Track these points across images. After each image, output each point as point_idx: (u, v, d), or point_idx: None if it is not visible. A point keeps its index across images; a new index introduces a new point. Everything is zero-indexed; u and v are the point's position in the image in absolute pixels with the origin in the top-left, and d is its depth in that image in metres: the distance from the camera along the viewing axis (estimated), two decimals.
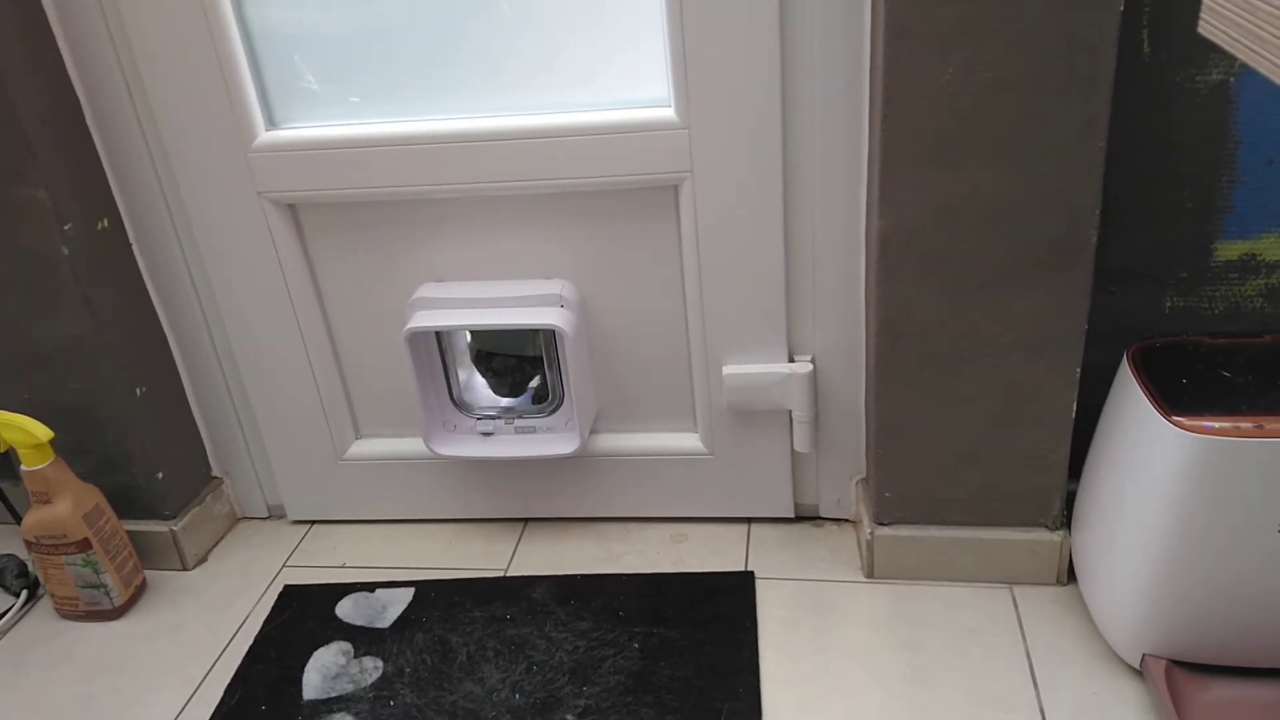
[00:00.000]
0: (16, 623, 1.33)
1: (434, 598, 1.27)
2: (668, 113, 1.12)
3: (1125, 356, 1.04)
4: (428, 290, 1.26)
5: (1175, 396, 0.96)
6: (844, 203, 1.14)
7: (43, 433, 1.21)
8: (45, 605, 1.35)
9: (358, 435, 1.41)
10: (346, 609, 1.28)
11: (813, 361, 1.24)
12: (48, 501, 1.24)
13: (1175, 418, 0.94)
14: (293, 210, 1.25)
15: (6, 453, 1.26)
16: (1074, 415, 1.10)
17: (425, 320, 1.23)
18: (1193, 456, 0.92)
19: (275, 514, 1.49)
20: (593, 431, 1.35)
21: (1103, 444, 1.08)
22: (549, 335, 1.26)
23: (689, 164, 1.13)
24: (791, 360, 1.25)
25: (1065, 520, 1.17)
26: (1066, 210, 1.00)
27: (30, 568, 1.38)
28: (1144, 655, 1.03)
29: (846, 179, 1.12)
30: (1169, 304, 1.13)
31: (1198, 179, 1.07)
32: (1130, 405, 1.01)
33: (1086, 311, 1.05)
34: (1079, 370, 1.08)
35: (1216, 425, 0.92)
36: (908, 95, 0.97)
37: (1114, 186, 1.03)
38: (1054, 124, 0.96)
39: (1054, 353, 1.07)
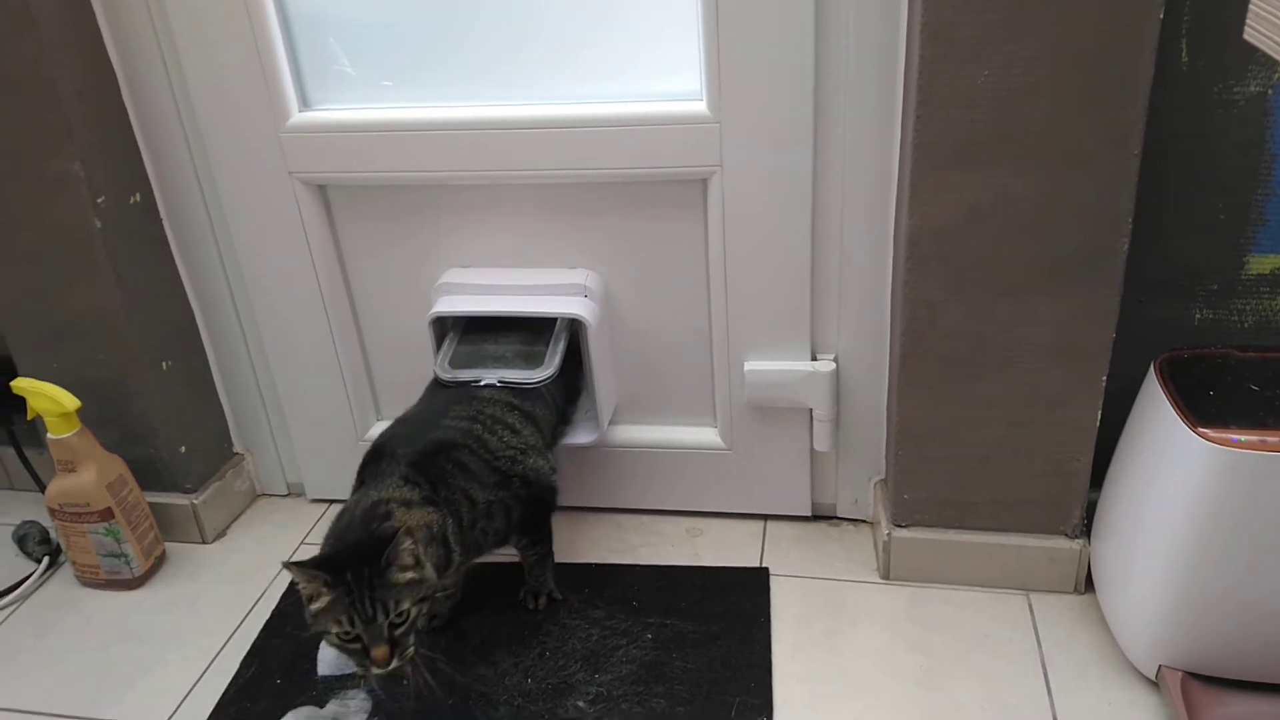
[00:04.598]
0: (38, 588, 1.35)
1: None
2: (699, 106, 1.12)
3: (1153, 366, 1.04)
4: (453, 275, 1.26)
5: (1202, 408, 0.96)
6: (873, 203, 1.13)
7: (70, 402, 1.23)
8: (66, 572, 1.37)
9: (379, 417, 1.42)
10: None
11: (836, 361, 1.24)
12: (72, 470, 1.26)
13: (1201, 429, 0.93)
14: (323, 191, 1.26)
15: (33, 421, 1.28)
16: (1098, 424, 1.10)
17: (450, 305, 1.24)
18: (1218, 468, 0.92)
19: (294, 492, 1.50)
20: (612, 423, 1.35)
21: (1126, 453, 1.08)
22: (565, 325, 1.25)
23: (718, 158, 1.13)
24: (814, 359, 1.25)
25: (1085, 529, 1.17)
26: (1098, 217, 0.99)
27: (52, 535, 1.40)
28: (1160, 666, 1.02)
29: (876, 179, 1.12)
30: (1198, 316, 1.13)
31: (1232, 191, 1.06)
32: (1156, 415, 1.00)
33: (1115, 320, 1.04)
34: (1105, 379, 1.07)
35: (1243, 438, 0.91)
36: (942, 96, 0.97)
37: (1146, 195, 1.02)
38: (1089, 130, 0.96)
39: (1080, 360, 1.06)
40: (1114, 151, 0.96)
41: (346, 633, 0.92)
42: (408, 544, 0.93)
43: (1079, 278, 1.02)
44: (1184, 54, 1.01)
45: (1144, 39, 0.92)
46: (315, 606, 0.93)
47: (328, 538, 0.99)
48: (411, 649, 0.95)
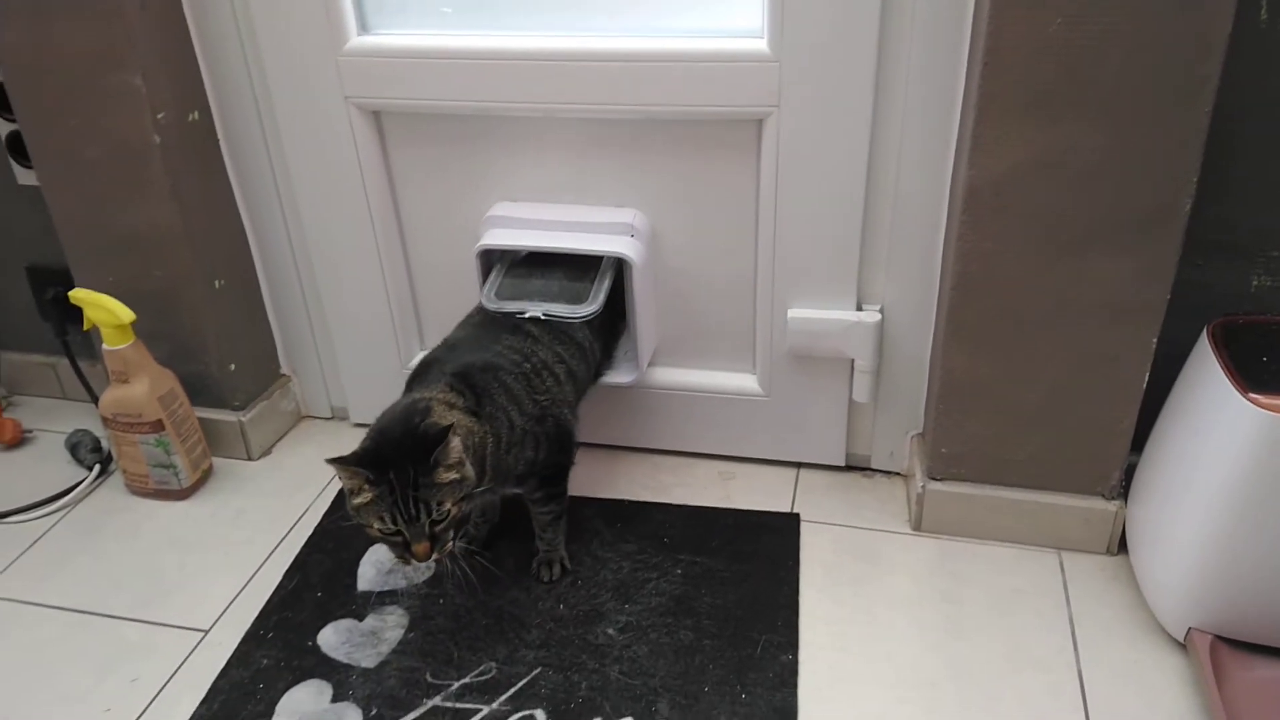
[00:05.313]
0: (88, 495, 1.40)
1: None
2: (759, 44, 1.10)
3: (1205, 331, 1.02)
4: (501, 209, 1.27)
5: (1254, 374, 0.95)
6: (932, 151, 1.12)
7: (125, 314, 1.25)
8: (116, 481, 1.41)
9: (423, 346, 1.43)
10: None
11: (881, 311, 1.24)
12: (126, 381, 1.29)
13: (1252, 395, 0.92)
14: (377, 117, 1.26)
15: (88, 332, 1.31)
16: (1145, 386, 1.09)
17: (497, 239, 1.24)
18: (1266, 435, 0.91)
19: (338, 415, 1.53)
20: (651, 364, 1.36)
21: (1172, 417, 1.07)
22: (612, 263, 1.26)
23: (776, 98, 1.12)
24: (860, 308, 1.24)
25: (1122, 491, 1.16)
26: (1164, 175, 0.98)
27: (104, 443, 1.44)
28: (1190, 629, 1.03)
29: (937, 127, 1.10)
30: (1255, 282, 1.11)
31: None
32: (1206, 380, 0.99)
33: (1171, 281, 1.03)
34: (1156, 341, 1.06)
35: None
36: (1011, 43, 0.95)
37: (1211, 155, 0.99)
38: (1161, 85, 0.94)
39: (1133, 321, 1.05)
40: (1185, 108, 0.94)
41: (388, 529, 0.95)
42: (455, 442, 0.95)
43: (1139, 236, 1.01)
44: (1263, 12, 0.98)
45: None
46: (357, 501, 0.96)
47: (369, 433, 1.00)
48: (451, 543, 0.98)
